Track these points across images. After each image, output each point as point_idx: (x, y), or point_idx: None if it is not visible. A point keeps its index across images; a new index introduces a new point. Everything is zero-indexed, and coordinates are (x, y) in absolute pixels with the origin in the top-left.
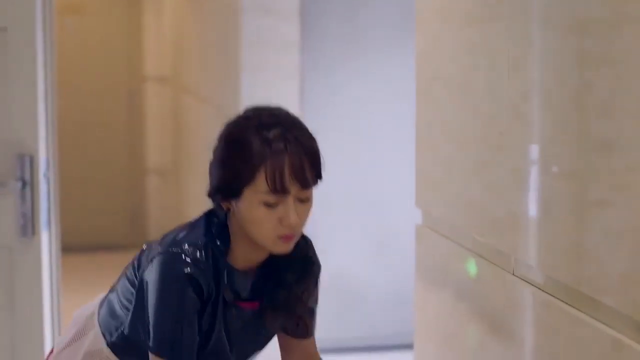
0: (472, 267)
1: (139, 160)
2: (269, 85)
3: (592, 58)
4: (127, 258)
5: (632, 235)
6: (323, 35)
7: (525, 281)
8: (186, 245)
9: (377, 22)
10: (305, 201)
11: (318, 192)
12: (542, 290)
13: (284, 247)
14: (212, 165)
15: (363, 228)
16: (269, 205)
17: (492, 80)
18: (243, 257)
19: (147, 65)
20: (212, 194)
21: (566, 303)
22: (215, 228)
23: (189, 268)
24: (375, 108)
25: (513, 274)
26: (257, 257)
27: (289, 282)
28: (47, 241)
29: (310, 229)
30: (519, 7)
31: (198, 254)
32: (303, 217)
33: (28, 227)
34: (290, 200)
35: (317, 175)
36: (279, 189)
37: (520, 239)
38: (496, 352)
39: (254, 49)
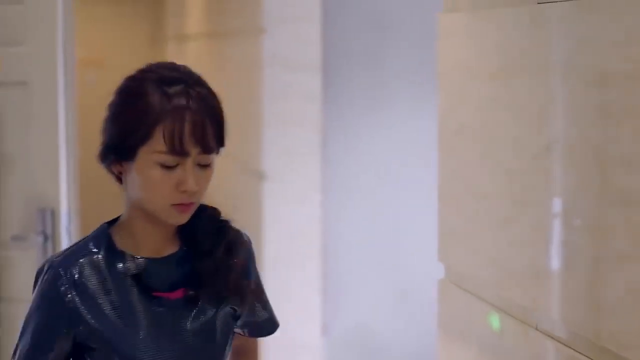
0: (495, 321)
1: None
2: (291, 138)
3: (614, 111)
4: None
5: None
6: (345, 87)
7: (549, 336)
8: (63, 253)
9: (401, 74)
10: (206, 167)
11: (343, 242)
12: (566, 345)
13: (179, 218)
14: (105, 121)
15: (385, 282)
16: (165, 167)
17: (515, 134)
18: (145, 239)
19: None
20: (103, 155)
21: (590, 358)
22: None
23: (57, 278)
24: (399, 160)
25: (536, 329)
26: (160, 238)
27: (208, 249)
28: None
29: (332, 282)
30: (542, 61)
31: (67, 254)
32: (202, 185)
33: None
34: (189, 163)
35: (220, 140)
36: (177, 149)
37: (543, 294)
38: None
39: (276, 101)
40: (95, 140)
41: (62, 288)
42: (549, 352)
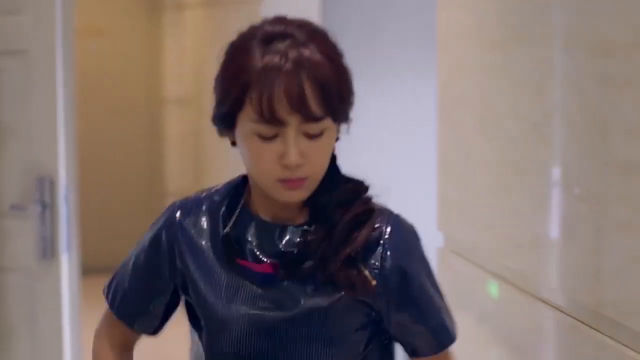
0: (494, 289)
1: (159, 183)
2: None
3: (614, 80)
4: None
5: None
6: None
7: (548, 304)
8: (188, 198)
9: (400, 44)
10: (317, 137)
11: None
12: (565, 313)
13: (290, 195)
14: (214, 82)
15: None
16: (263, 138)
17: (515, 103)
18: (264, 208)
19: (167, 88)
20: (213, 121)
21: (589, 326)
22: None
23: (172, 214)
24: (398, 130)
25: (536, 297)
26: (283, 208)
27: (331, 222)
28: (66, 263)
29: None
30: (542, 30)
31: (191, 200)
32: (313, 157)
33: (48, 249)
34: (289, 132)
35: (332, 106)
36: (267, 117)
37: (543, 262)
38: None
39: None
40: (95, 109)
41: (172, 230)
42: (548, 320)
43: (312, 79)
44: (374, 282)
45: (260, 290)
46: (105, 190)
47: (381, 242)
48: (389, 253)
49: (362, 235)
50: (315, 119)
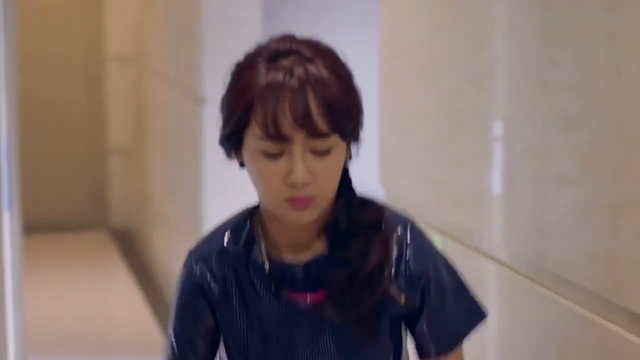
0: (436, 243)
1: (101, 140)
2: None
3: (555, 35)
4: (88, 238)
5: (596, 211)
6: (285, 13)
7: (490, 258)
8: (202, 245)
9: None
10: (324, 154)
11: None
12: (507, 267)
13: (298, 216)
14: (220, 103)
15: None
16: (269, 156)
17: (456, 56)
18: (281, 237)
19: (109, 45)
20: (220, 141)
21: (531, 279)
22: (242, 213)
23: (192, 270)
24: None
25: (477, 251)
26: (298, 237)
27: (352, 257)
28: (8, 221)
29: None
30: None
31: (207, 250)
32: (321, 176)
33: None
34: (295, 149)
35: (339, 123)
36: (272, 134)
37: (484, 216)
38: None
39: (216, 28)
40: (35, 66)
41: (197, 281)
42: (489, 273)
43: (317, 95)
44: (402, 299)
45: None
46: (46, 148)
47: (403, 256)
48: (411, 263)
49: (388, 277)
50: (321, 135)
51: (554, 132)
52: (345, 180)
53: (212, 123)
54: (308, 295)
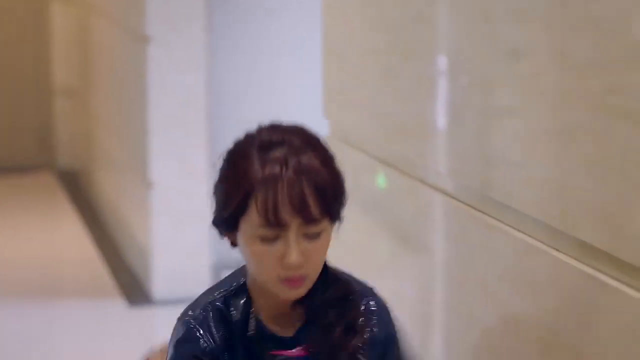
0: (382, 181)
1: (45, 80)
2: (175, 2)
3: None
4: (34, 179)
5: (540, 139)
6: None
7: (435, 189)
8: (198, 310)
9: None
10: (315, 237)
11: (229, 107)
12: (452, 197)
13: (291, 293)
14: (213, 187)
15: None
16: (265, 240)
17: None
18: (267, 304)
19: None
20: (214, 223)
21: (476, 209)
22: (237, 278)
23: (194, 343)
24: (283, 21)
25: (423, 182)
26: (283, 310)
27: (330, 321)
28: None
29: (218, 147)
30: None
31: (209, 319)
32: (313, 257)
33: None
34: (290, 235)
35: (329, 209)
36: (272, 221)
37: (430, 147)
38: (407, 261)
39: None
40: None
41: (197, 348)
42: (435, 204)
43: (311, 185)
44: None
45: None
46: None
47: (368, 326)
48: (375, 330)
49: (357, 337)
50: (315, 221)
51: (498, 63)
52: None
53: (157, 62)
54: (289, 352)
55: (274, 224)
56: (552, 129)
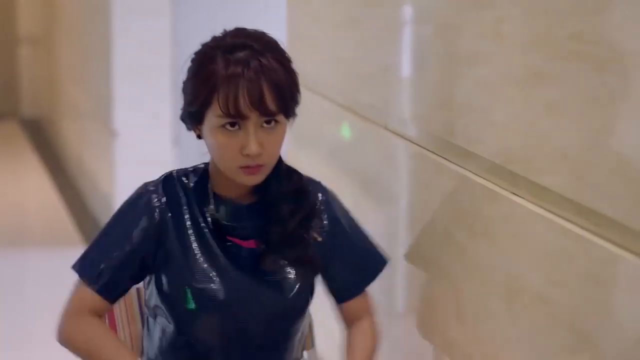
0: (345, 131)
1: (10, 29)
2: None
3: None
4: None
5: (504, 85)
6: None
7: (399, 135)
8: (158, 177)
9: None
10: (271, 130)
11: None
12: (415, 144)
13: (249, 179)
14: (182, 85)
15: None
16: (227, 130)
17: None
18: (225, 187)
19: None
20: (182, 118)
21: (439, 155)
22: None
23: (149, 193)
24: None
25: (386, 129)
26: (239, 189)
27: (283, 215)
28: None
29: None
30: None
31: (164, 180)
32: (270, 147)
33: None
34: (250, 126)
35: (285, 105)
36: (232, 112)
37: (394, 94)
38: (370, 208)
39: None
40: None
41: (154, 203)
42: (398, 150)
43: (270, 83)
44: (320, 238)
45: (250, 264)
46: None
47: (320, 210)
48: (326, 215)
49: (309, 228)
50: (272, 114)
51: (463, 9)
52: None
53: (122, 10)
54: (242, 242)
55: (235, 116)
56: (517, 75)
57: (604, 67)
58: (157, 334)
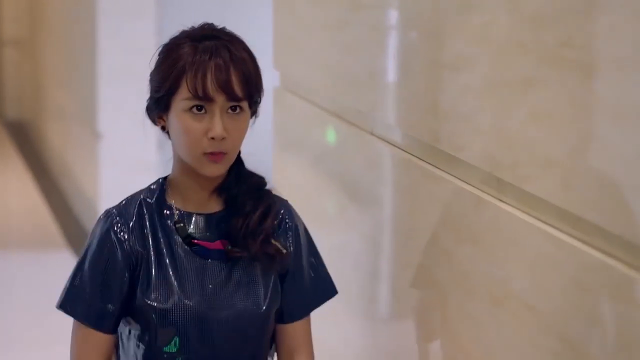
0: (331, 135)
1: None
2: None
3: None
4: None
5: (490, 92)
6: None
7: (384, 140)
8: (118, 203)
9: None
10: (237, 117)
11: None
12: (401, 149)
13: (212, 168)
14: (149, 76)
15: None
16: (193, 113)
17: None
18: (186, 194)
19: None
20: (148, 108)
21: (425, 161)
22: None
23: (109, 220)
24: None
25: (372, 134)
26: (204, 195)
27: (246, 211)
28: None
29: None
30: None
31: (123, 204)
32: (233, 133)
33: None
34: (216, 109)
35: (249, 91)
36: (200, 94)
37: (379, 99)
38: (355, 213)
39: None
40: None
41: (119, 232)
42: (384, 156)
43: (237, 68)
44: (284, 251)
45: (219, 265)
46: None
47: (284, 223)
48: (290, 231)
49: (271, 222)
50: (238, 100)
51: (449, 14)
52: (239, 158)
53: (107, 12)
54: (208, 244)
55: (202, 98)
56: (503, 81)
57: (591, 73)
58: (132, 348)
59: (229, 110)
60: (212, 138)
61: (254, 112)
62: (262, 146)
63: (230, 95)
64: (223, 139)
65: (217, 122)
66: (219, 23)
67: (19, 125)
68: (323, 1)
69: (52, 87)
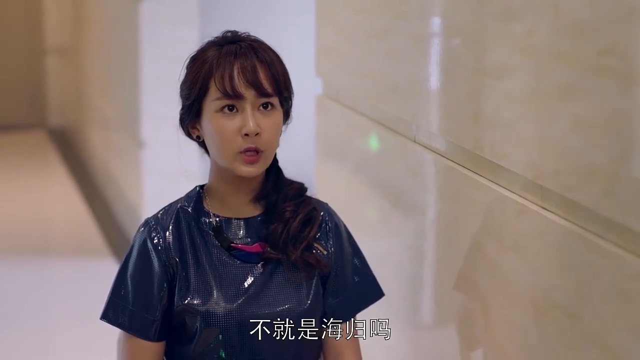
0: (374, 142)
1: (38, 39)
2: None
3: None
4: (26, 139)
5: (532, 100)
6: None
7: (427, 148)
8: (157, 212)
9: None
10: (270, 113)
11: None
12: (444, 157)
13: (249, 168)
14: (179, 89)
15: None
16: (225, 113)
17: None
18: (225, 200)
19: None
20: (181, 119)
21: (467, 169)
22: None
23: (147, 230)
24: None
25: (414, 142)
26: (242, 201)
27: (286, 217)
28: None
29: None
30: None
31: (161, 213)
32: (267, 130)
33: None
34: (247, 106)
35: (279, 86)
36: (229, 91)
37: (422, 106)
38: (398, 220)
39: None
40: None
41: (157, 241)
42: (426, 164)
43: (263, 63)
44: (325, 252)
45: (260, 267)
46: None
47: (325, 225)
48: (331, 232)
49: (313, 231)
50: (267, 95)
51: (491, 22)
52: (274, 163)
53: (150, 20)
54: (247, 247)
55: (232, 95)
56: (545, 89)
57: (633, 82)
58: (175, 351)
59: (261, 108)
60: (246, 134)
61: (286, 114)
62: (305, 155)
63: (260, 90)
64: (257, 134)
65: (249, 118)
66: (262, 31)
67: (62, 133)
68: (365, 9)
69: (95, 95)
